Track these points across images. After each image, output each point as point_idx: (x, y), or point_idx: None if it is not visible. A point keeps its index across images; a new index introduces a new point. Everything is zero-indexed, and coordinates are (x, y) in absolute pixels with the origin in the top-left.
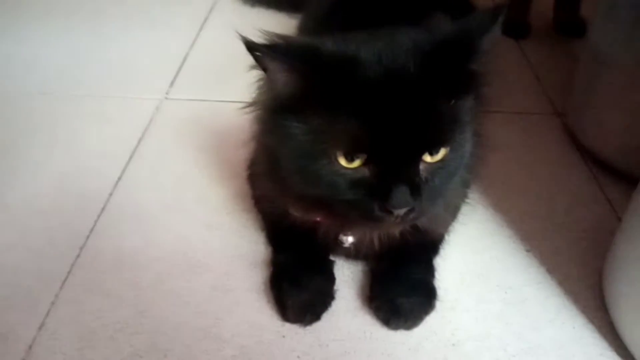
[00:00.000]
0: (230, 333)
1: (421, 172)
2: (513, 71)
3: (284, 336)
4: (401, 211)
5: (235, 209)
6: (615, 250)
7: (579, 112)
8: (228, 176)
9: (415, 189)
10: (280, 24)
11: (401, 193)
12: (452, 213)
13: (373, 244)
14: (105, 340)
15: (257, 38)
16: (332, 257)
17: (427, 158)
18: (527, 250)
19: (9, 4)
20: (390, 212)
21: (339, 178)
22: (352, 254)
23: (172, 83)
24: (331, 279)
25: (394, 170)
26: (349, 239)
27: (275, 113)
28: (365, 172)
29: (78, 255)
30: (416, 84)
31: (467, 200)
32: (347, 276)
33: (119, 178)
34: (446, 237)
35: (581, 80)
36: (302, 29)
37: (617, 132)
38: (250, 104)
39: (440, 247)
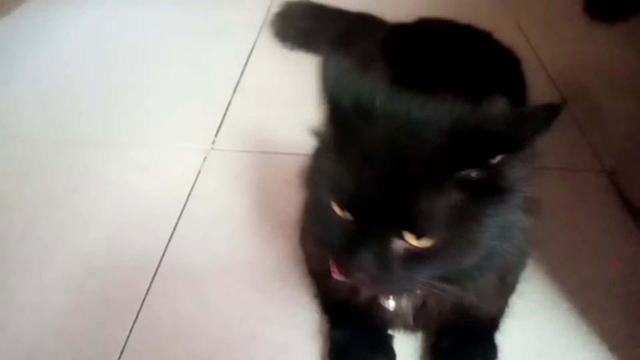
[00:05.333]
0: None
1: (398, 249)
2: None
3: None
4: (359, 275)
5: (289, 273)
6: None
7: (630, 169)
8: (280, 236)
9: (383, 261)
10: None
11: (361, 259)
12: (510, 287)
13: (431, 315)
14: None
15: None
16: (390, 332)
17: (411, 240)
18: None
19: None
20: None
21: (333, 225)
22: (411, 327)
23: (217, 132)
24: (392, 357)
25: (365, 236)
26: (391, 303)
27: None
28: (352, 227)
29: (135, 321)
30: (416, 159)
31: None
32: (406, 351)
33: (171, 235)
34: (506, 310)
35: (633, 135)
36: None
37: None
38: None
39: (500, 322)
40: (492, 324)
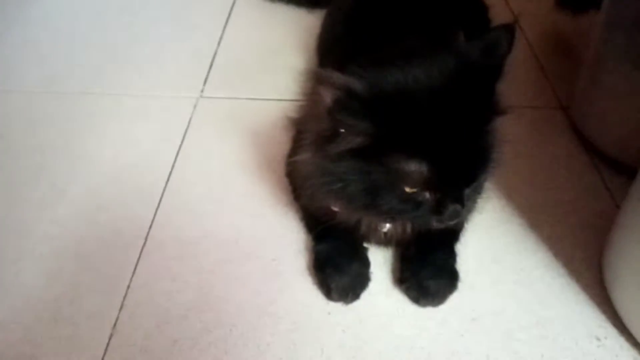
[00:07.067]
0: (284, 311)
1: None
2: (518, 63)
3: (329, 313)
4: (453, 222)
5: (276, 202)
6: (613, 236)
7: (581, 105)
8: (268, 170)
9: (463, 204)
10: (299, 20)
11: (455, 210)
12: (472, 205)
13: (405, 232)
14: (178, 318)
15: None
16: (365, 244)
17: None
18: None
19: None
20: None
21: (404, 204)
22: (384, 241)
23: (205, 81)
24: (367, 264)
25: (452, 195)
26: (387, 225)
27: (345, 156)
28: (426, 195)
29: (144, 244)
30: (467, 120)
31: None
32: (379, 260)
33: (169, 174)
34: (466, 225)
35: (584, 75)
36: (326, 33)
37: (618, 125)
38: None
39: (461, 234)
40: (454, 236)
